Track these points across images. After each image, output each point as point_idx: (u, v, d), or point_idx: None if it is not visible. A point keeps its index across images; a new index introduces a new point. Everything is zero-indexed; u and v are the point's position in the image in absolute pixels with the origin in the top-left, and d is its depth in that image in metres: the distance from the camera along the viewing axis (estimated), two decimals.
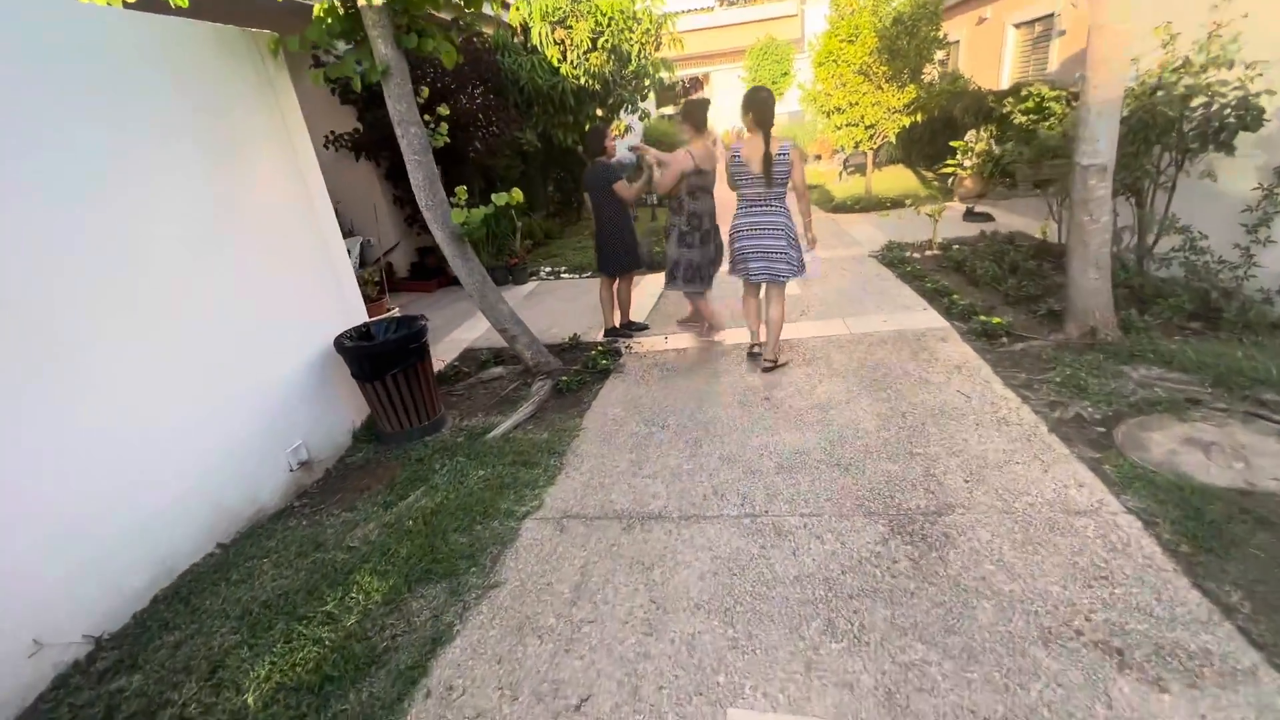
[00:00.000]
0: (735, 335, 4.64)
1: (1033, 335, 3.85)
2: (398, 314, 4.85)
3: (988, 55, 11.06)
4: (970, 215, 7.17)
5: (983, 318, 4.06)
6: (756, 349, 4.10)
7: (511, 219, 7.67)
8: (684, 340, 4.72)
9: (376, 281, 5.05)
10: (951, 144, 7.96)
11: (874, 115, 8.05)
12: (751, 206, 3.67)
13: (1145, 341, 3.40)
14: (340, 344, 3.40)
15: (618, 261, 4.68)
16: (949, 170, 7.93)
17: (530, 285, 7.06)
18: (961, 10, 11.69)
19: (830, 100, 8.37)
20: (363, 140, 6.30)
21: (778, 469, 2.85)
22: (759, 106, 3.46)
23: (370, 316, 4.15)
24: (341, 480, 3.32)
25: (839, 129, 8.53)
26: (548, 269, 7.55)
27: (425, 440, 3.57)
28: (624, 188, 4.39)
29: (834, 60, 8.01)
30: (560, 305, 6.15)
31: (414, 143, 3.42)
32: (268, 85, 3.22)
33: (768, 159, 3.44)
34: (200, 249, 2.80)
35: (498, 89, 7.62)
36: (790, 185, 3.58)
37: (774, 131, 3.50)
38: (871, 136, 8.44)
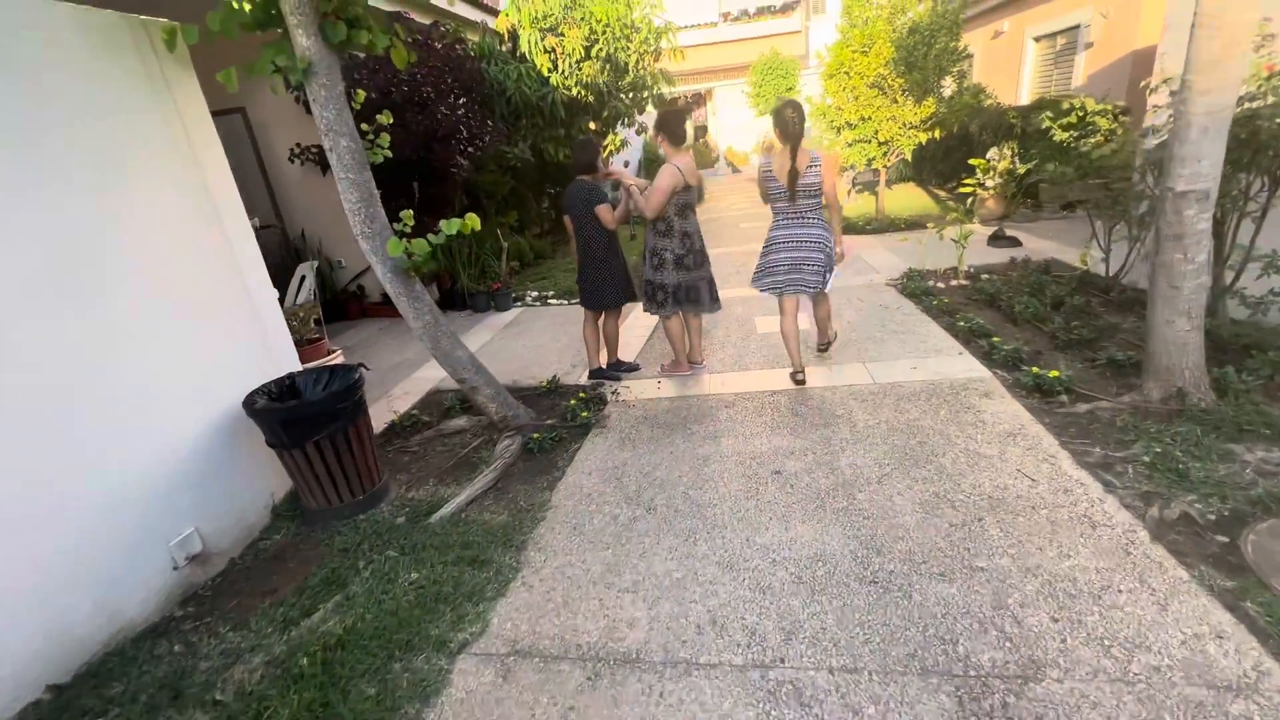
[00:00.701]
0: (730, 383, 3.99)
1: (1099, 394, 3.18)
2: (339, 358, 4.20)
3: (1005, 69, 10.52)
4: (997, 239, 6.54)
5: (1035, 370, 3.39)
6: (801, 376, 3.83)
7: (497, 238, 7.08)
8: (678, 387, 4.07)
9: (317, 320, 4.41)
10: (970, 162, 7.37)
11: (889, 131, 7.46)
12: (787, 220, 3.62)
13: (1250, 409, 2.73)
14: (250, 405, 2.74)
15: (603, 295, 4.04)
16: (967, 190, 7.33)
17: (513, 312, 6.43)
18: (977, 23, 11.17)
19: (841, 115, 7.80)
20: None
21: (795, 584, 2.18)
22: (785, 120, 3.38)
23: (306, 362, 3.50)
24: (245, 576, 2.64)
25: (850, 145, 7.93)
26: (534, 293, 6.92)
27: (359, 518, 2.91)
28: (606, 212, 3.77)
29: (845, 72, 7.44)
30: (544, 336, 5.51)
31: (345, 158, 2.80)
32: (161, 85, 2.61)
33: (793, 174, 3.40)
34: (51, 289, 2.16)
35: (483, 99, 7.06)
36: (823, 196, 3.53)
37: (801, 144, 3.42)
38: (885, 153, 7.85)
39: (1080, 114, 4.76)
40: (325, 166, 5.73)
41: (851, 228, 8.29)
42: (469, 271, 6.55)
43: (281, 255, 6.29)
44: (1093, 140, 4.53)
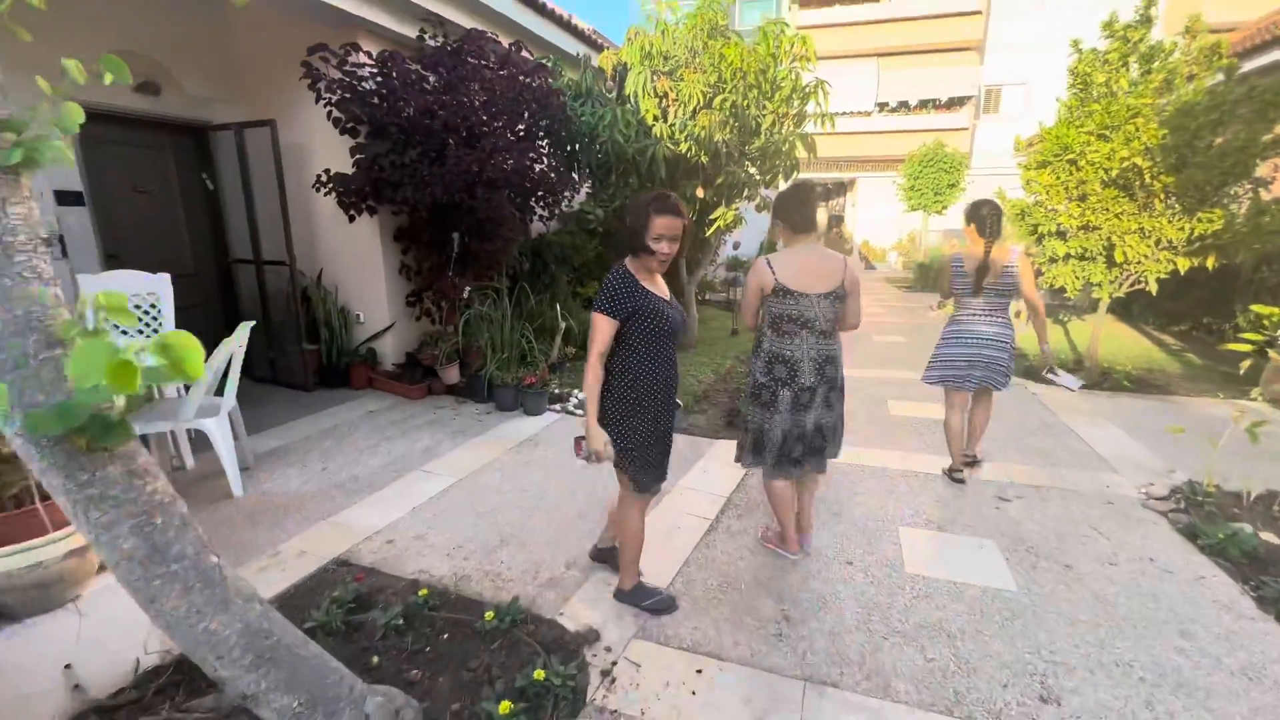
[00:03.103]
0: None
1: None
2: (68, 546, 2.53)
3: None
4: None
5: None
6: (958, 472, 3.60)
7: (557, 313, 5.48)
8: (732, 638, 1.99)
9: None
10: (1255, 309, 4.76)
11: (1133, 248, 5.07)
12: (974, 315, 3.45)
13: None
14: None
15: (631, 459, 2.18)
16: (1246, 348, 4.68)
17: (544, 420, 4.68)
18: None
19: (1052, 219, 5.53)
20: (353, 185, 4.41)
21: None
22: (983, 216, 3.30)
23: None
24: None
25: (1059, 260, 5.60)
26: (581, 396, 5.17)
27: None
28: (604, 325, 2.05)
29: (1071, 161, 5.23)
30: (564, 474, 3.66)
31: None
32: None
33: (984, 268, 3.30)
34: None
35: (570, 146, 5.66)
36: (1019, 296, 3.39)
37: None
38: (1117, 278, 5.42)
39: None
40: (346, 204, 4.45)
41: (1037, 373, 5.82)
42: (498, 356, 4.94)
43: (287, 301, 5.08)
44: None
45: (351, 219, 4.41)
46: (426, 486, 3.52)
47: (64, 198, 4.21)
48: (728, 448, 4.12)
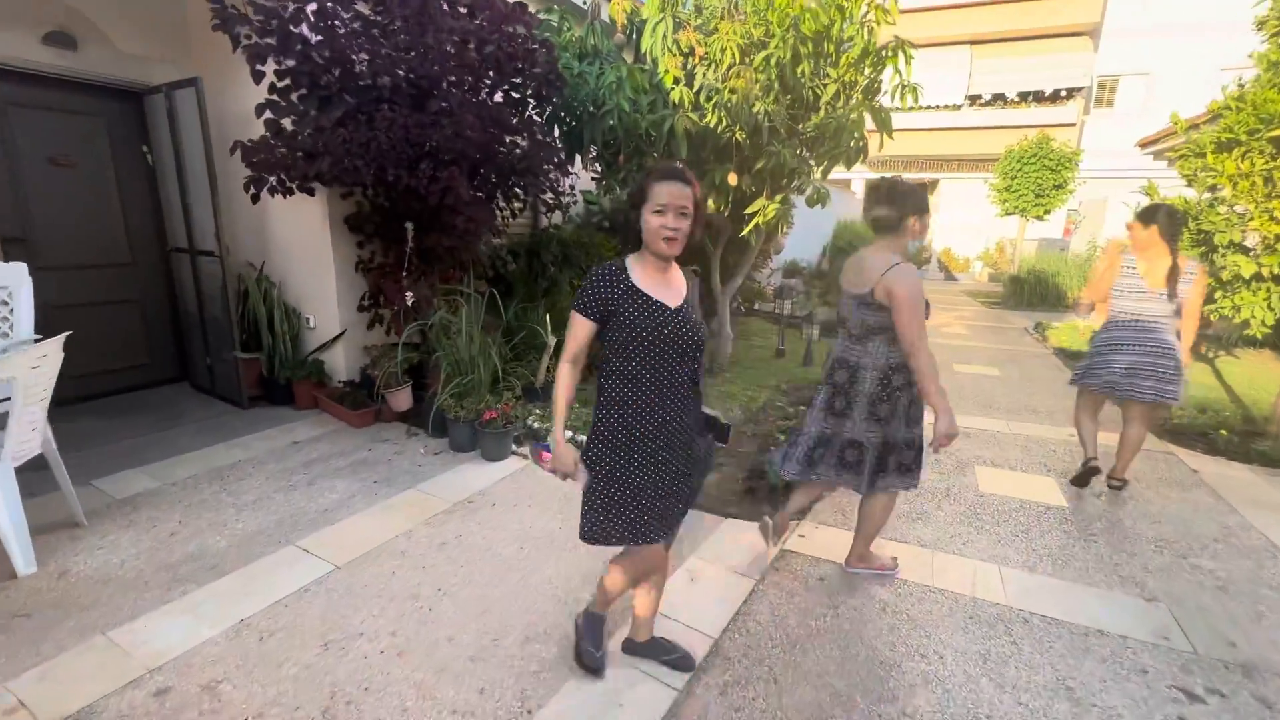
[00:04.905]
0: None
1: None
2: None
3: None
4: None
5: None
6: (1094, 461, 3.43)
7: (541, 333, 4.36)
8: None
9: None
10: None
11: None
12: (1137, 321, 3.26)
13: None
14: None
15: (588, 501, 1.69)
16: None
17: (502, 469, 3.56)
18: None
19: (1237, 225, 3.91)
20: (255, 156, 3.35)
21: None
22: (1168, 220, 3.20)
23: None
24: None
25: (1242, 283, 3.96)
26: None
27: None
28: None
29: (1274, 138, 3.61)
30: (491, 564, 2.52)
31: None
32: None
33: (1174, 272, 3.15)
34: None
35: (563, 112, 4.53)
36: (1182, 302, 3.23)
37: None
38: None
39: None
40: (261, 182, 3.45)
41: (1186, 430, 4.21)
42: (459, 380, 3.86)
43: (222, 300, 4.22)
44: None
45: (255, 199, 3.43)
46: (287, 578, 2.46)
47: None
48: (739, 533, 2.87)
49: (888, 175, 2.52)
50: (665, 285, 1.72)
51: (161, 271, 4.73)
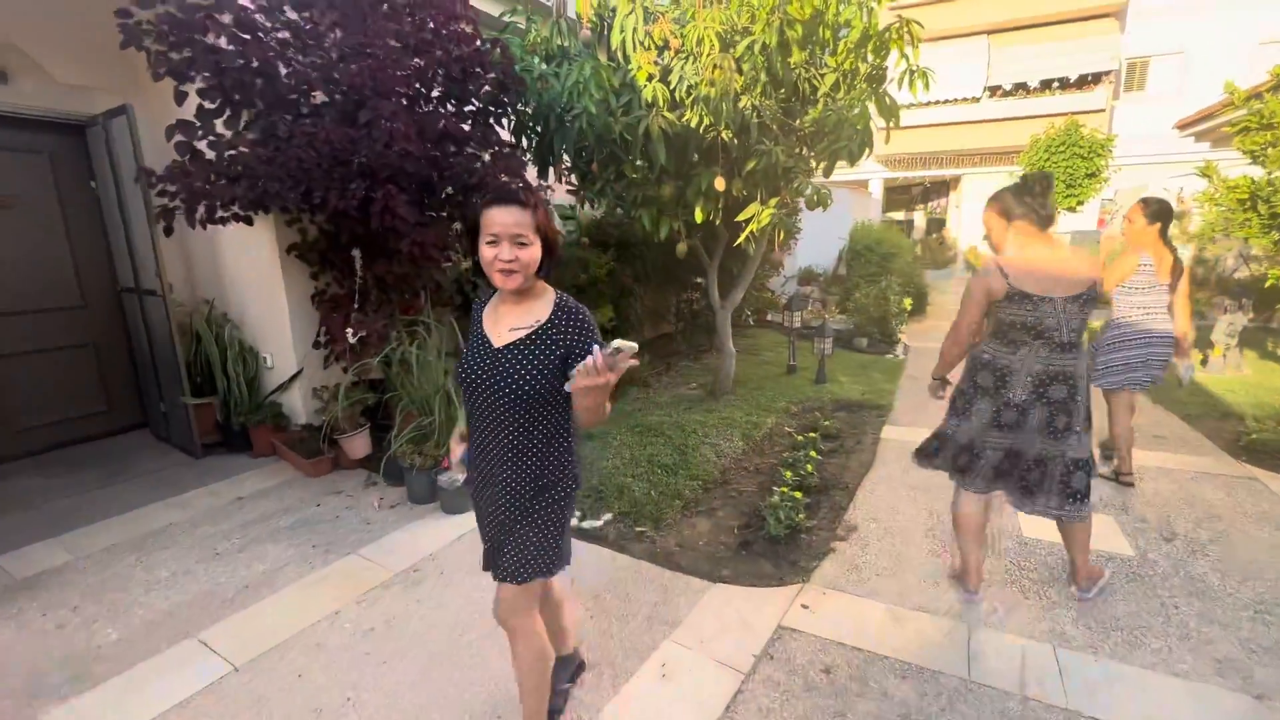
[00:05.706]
0: None
1: None
2: None
3: None
4: None
5: None
6: (1127, 476, 3.47)
7: None
8: None
9: None
10: None
11: None
12: (1146, 314, 3.33)
13: None
14: None
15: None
16: None
17: (459, 526, 3.11)
18: None
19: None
20: (160, 179, 2.97)
21: None
22: (1170, 217, 3.28)
23: None
24: None
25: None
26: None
27: None
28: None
29: None
30: (465, 631, 2.07)
31: None
32: None
33: (1177, 266, 3.27)
34: None
35: (528, 122, 4.13)
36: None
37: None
38: None
39: None
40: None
41: (1267, 448, 3.56)
42: (415, 424, 3.43)
43: (170, 342, 3.89)
44: None
45: (168, 232, 3.07)
46: (172, 685, 2.04)
47: None
48: (727, 604, 2.37)
49: (1034, 171, 2.34)
50: (512, 319, 1.48)
51: (116, 313, 4.44)
